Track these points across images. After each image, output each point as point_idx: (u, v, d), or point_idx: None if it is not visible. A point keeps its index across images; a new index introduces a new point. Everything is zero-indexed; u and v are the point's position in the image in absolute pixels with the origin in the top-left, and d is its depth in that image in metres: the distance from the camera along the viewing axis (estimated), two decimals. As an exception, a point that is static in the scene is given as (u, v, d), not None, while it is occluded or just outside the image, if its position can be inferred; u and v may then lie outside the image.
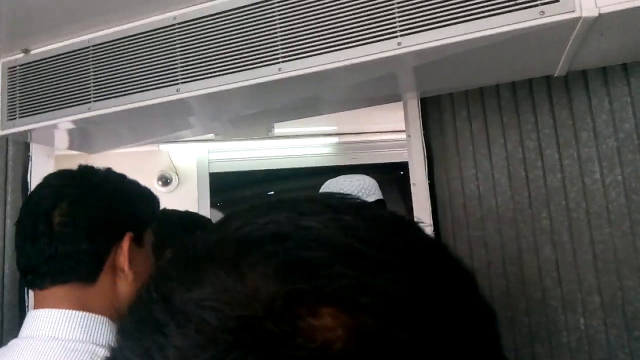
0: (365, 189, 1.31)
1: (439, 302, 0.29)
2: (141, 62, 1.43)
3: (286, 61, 1.23)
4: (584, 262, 1.59)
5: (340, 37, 1.17)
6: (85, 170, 0.93)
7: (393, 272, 0.28)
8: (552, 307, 1.66)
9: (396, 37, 1.13)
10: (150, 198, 1.00)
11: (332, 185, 1.37)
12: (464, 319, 0.31)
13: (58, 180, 0.86)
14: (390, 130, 2.93)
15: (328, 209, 0.32)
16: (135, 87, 1.43)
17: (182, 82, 1.35)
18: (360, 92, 1.66)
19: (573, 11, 1.03)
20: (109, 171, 0.98)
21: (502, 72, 1.58)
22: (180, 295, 0.29)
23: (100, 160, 2.95)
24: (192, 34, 1.36)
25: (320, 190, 1.40)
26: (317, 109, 1.84)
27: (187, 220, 1.65)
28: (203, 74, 1.32)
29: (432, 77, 1.66)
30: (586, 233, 1.59)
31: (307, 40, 1.21)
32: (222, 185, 4.47)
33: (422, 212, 2.02)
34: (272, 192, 5.00)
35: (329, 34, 1.17)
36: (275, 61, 1.25)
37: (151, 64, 1.42)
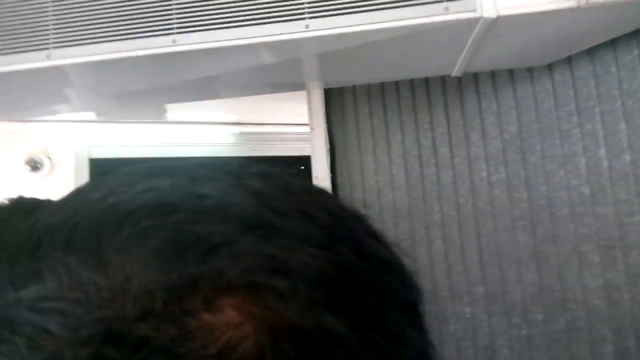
0: None
1: (371, 284, 0.24)
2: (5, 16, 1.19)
3: (181, 32, 1.10)
4: (471, 254, 1.69)
5: (245, 12, 1.08)
6: None
7: (317, 248, 0.21)
8: (442, 297, 1.74)
9: (304, 19, 1.07)
10: None
11: None
12: (396, 303, 0.25)
13: None
14: (293, 122, 2.88)
15: (227, 175, 0.24)
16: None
17: (54, 47, 1.15)
18: (262, 76, 1.58)
19: (474, 10, 1.06)
20: None
21: (403, 69, 1.61)
22: (3, 296, 0.20)
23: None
24: (69, -8, 1.16)
25: None
26: (215, 91, 1.71)
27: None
28: (80, 39, 1.13)
29: (336, 68, 1.63)
30: (473, 227, 1.69)
31: (206, 11, 1.10)
32: (105, 172, 4.06)
33: (322, 206, 2.00)
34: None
35: (232, 6, 1.07)
36: (169, 32, 1.11)
37: (18, 20, 1.19)
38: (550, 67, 1.63)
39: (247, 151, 3.01)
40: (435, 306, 1.74)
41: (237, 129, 2.82)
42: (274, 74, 1.62)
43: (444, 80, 1.77)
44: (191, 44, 1.12)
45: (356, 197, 1.94)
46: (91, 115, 2.35)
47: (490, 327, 1.62)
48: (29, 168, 2.45)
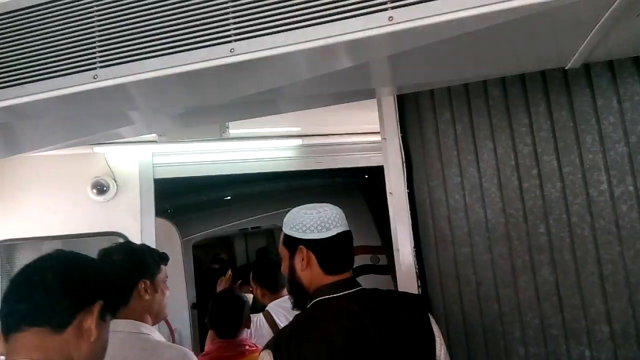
0: (326, 222, 1.20)
1: None
2: (50, 38, 1.08)
3: (239, 39, 0.93)
4: (590, 285, 1.38)
5: (316, 10, 0.88)
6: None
7: None
8: (553, 336, 1.44)
9: (386, 9, 0.86)
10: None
11: (292, 218, 1.24)
12: None
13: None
14: (359, 132, 2.67)
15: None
16: (41, 72, 1.08)
17: (100, 66, 1.02)
18: (327, 85, 1.39)
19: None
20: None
21: (497, 64, 1.35)
22: None
23: (20, 163, 2.53)
24: (110, 7, 1.03)
25: (289, 223, 1.24)
26: (276, 105, 1.54)
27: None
28: (128, 56, 0.99)
29: (412, 69, 1.39)
30: (592, 251, 1.38)
31: (267, 13, 0.92)
32: (170, 189, 4.07)
33: (400, 225, 1.77)
34: (229, 197, 4.63)
35: (300, 4, 0.88)
36: (227, 39, 0.94)
37: (62, 43, 1.07)
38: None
39: (311, 164, 2.84)
40: (545, 347, 1.45)
41: (300, 141, 2.65)
42: (341, 81, 1.42)
43: (544, 74, 1.48)
44: (248, 52, 0.95)
45: (439, 215, 1.68)
46: (153, 136, 2.28)
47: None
48: (95, 191, 2.43)
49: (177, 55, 0.99)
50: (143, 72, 1.01)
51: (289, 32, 0.89)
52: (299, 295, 1.23)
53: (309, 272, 1.19)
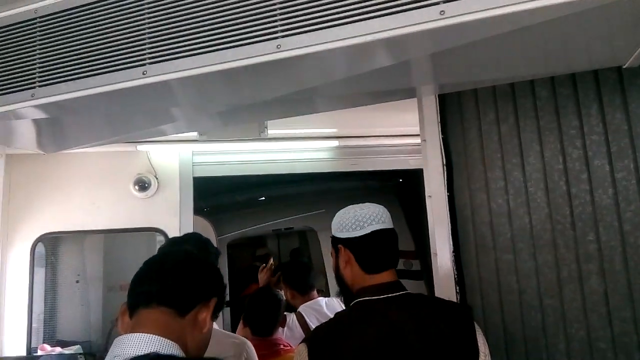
0: (361, 220, 1.22)
1: None
2: (102, 34, 1.12)
3: (287, 35, 0.93)
4: (644, 298, 1.30)
5: (355, 8, 0.87)
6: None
7: None
8: (600, 350, 1.37)
9: (438, 3, 0.84)
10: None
11: (335, 220, 1.27)
12: None
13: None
14: (396, 134, 2.64)
15: None
16: (89, 69, 1.12)
17: (150, 62, 1.04)
18: (367, 83, 1.37)
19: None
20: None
21: (547, 62, 1.30)
22: None
23: (64, 160, 2.63)
24: (162, 4, 1.05)
25: (333, 223, 1.27)
26: (313, 104, 1.54)
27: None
28: (175, 52, 1.01)
29: (457, 67, 1.35)
30: (647, 262, 1.30)
31: (309, 12, 0.91)
32: (207, 188, 4.14)
33: (439, 229, 1.73)
34: (264, 198, 4.67)
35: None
36: (274, 35, 0.94)
37: (113, 39, 1.11)
38: None
39: (346, 166, 2.82)
40: (592, 360, 1.38)
41: (336, 142, 2.64)
42: (382, 79, 1.40)
43: (596, 74, 1.42)
44: (293, 49, 0.95)
45: (480, 220, 1.63)
46: (194, 135, 2.32)
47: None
48: (137, 188, 2.50)
49: (223, 52, 1.00)
50: (190, 69, 1.03)
51: (339, 27, 0.88)
52: (345, 294, 1.25)
53: (350, 271, 1.20)
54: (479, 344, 1.10)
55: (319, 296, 2.44)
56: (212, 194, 4.20)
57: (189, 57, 1.01)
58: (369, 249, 1.19)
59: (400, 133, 2.66)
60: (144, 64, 1.04)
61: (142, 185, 2.50)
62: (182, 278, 0.98)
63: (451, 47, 0.97)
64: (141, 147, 2.52)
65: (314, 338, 1.10)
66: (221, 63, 0.99)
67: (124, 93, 1.13)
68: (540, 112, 1.53)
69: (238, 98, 1.26)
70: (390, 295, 1.14)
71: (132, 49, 1.07)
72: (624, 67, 1.20)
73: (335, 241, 1.24)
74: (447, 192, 1.73)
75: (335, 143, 2.68)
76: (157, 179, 2.55)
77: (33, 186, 2.49)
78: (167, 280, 0.97)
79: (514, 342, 1.51)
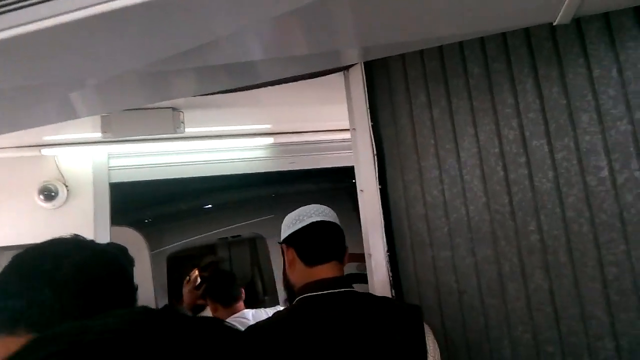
0: (300, 215, 1.22)
1: None
2: None
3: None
4: (590, 293, 1.15)
5: None
6: None
7: None
8: (548, 354, 1.21)
9: None
10: None
11: (287, 217, 1.26)
12: None
13: None
14: (333, 129, 2.45)
15: None
16: None
17: None
18: (286, 47, 1.17)
19: None
20: None
21: (472, 19, 1.13)
22: None
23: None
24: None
25: (283, 224, 1.26)
26: (230, 75, 1.33)
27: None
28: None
29: (377, 27, 1.16)
30: (592, 252, 1.16)
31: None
32: (150, 197, 3.83)
33: (372, 226, 1.55)
34: (210, 206, 4.39)
35: None
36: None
37: None
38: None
39: (284, 165, 2.62)
40: (540, 366, 1.22)
41: (271, 139, 2.43)
42: (302, 43, 1.20)
43: (531, 46, 1.27)
44: None
45: (415, 214, 1.46)
46: (103, 137, 2.04)
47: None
48: (42, 197, 2.20)
49: None
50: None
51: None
52: (290, 297, 1.20)
53: (294, 270, 1.18)
54: (428, 347, 1.03)
55: (246, 308, 2.21)
56: (155, 203, 3.93)
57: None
58: (307, 240, 1.18)
59: (337, 127, 2.49)
60: None
61: (49, 194, 2.20)
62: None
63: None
64: (46, 151, 2.22)
65: (249, 333, 0.96)
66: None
67: None
68: (473, 92, 1.38)
69: (131, 57, 1.02)
70: (333, 291, 1.09)
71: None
72: (554, 24, 1.05)
73: (281, 243, 1.24)
74: (380, 185, 1.55)
75: (270, 140, 2.47)
76: (66, 186, 2.25)
77: None
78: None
79: (456, 350, 1.34)
